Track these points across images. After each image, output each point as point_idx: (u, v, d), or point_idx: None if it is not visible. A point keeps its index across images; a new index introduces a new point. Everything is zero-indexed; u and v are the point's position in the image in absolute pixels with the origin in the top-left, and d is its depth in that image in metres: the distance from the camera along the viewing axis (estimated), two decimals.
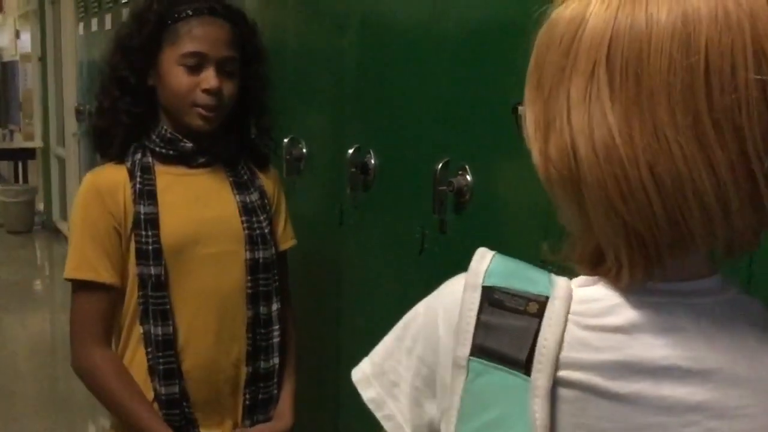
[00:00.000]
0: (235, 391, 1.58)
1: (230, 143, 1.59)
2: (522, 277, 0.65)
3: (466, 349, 0.63)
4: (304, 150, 2.09)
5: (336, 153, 1.91)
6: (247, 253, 1.55)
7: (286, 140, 2.07)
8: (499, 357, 0.62)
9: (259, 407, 1.59)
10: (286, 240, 1.69)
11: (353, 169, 1.81)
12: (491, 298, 0.64)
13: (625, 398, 0.61)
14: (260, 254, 1.56)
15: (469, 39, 1.47)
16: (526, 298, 0.63)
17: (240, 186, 1.59)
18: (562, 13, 0.63)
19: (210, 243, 1.53)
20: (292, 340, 1.70)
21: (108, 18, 4.28)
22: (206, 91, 1.48)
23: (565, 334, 0.62)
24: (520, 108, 0.69)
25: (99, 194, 1.50)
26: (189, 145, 1.53)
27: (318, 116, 2.11)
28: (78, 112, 5.15)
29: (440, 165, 1.49)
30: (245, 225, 1.56)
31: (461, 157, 1.47)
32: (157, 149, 1.53)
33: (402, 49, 1.70)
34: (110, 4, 4.22)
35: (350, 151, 1.82)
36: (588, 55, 0.60)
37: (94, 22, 4.64)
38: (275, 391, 1.61)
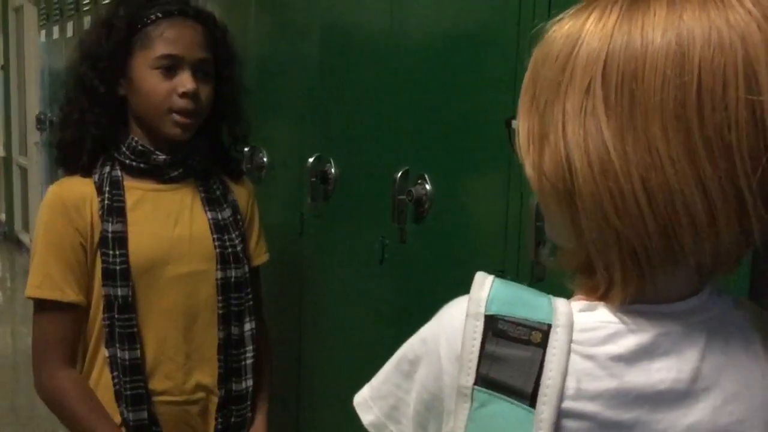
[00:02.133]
0: (205, 414, 1.53)
1: (204, 155, 1.53)
2: (523, 303, 0.65)
3: (471, 379, 0.64)
4: (265, 159, 2.08)
5: (297, 162, 1.90)
6: (219, 272, 1.50)
7: (247, 149, 2.05)
8: (505, 388, 0.63)
9: (230, 430, 1.55)
10: (259, 255, 1.64)
11: (313, 179, 1.80)
12: (495, 328, 0.64)
13: (624, 425, 0.63)
14: (232, 273, 1.51)
15: (428, 49, 1.47)
16: (530, 327, 0.63)
17: (212, 202, 1.53)
18: (558, 31, 0.65)
19: (180, 262, 1.47)
20: (267, 362, 1.64)
21: (69, 25, 4.22)
22: (183, 94, 1.42)
23: (569, 364, 0.62)
24: (513, 122, 0.70)
25: (64, 208, 1.42)
26: (162, 157, 1.47)
27: (279, 125, 2.10)
28: (39, 121, 5.06)
29: (399, 174, 1.49)
30: (217, 243, 1.50)
31: (420, 167, 1.47)
32: (127, 162, 1.46)
33: (362, 58, 1.69)
34: (71, 12, 4.17)
35: (310, 160, 1.80)
36: (584, 72, 0.62)
37: (56, 29, 4.58)
38: (248, 414, 1.56)
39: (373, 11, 1.64)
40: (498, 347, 0.63)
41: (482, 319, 0.64)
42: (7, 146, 7.05)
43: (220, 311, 1.50)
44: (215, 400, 1.52)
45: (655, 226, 0.60)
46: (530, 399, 0.62)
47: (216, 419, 1.52)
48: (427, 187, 1.45)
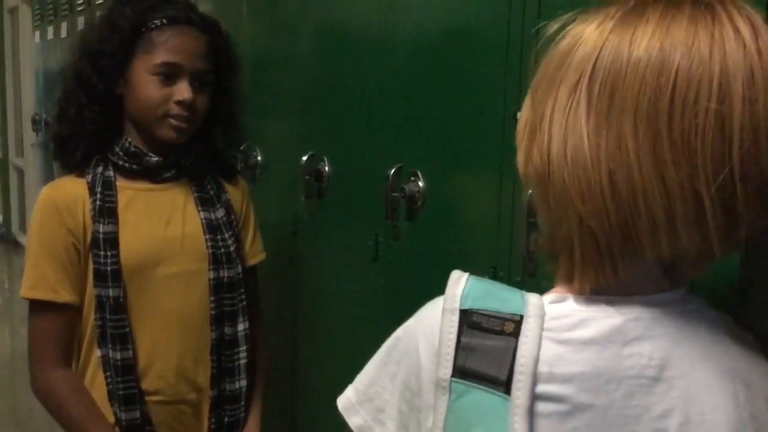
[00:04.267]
0: (199, 414, 1.53)
1: (198, 156, 1.54)
2: (496, 297, 0.69)
3: (448, 371, 0.66)
4: (259, 158, 2.08)
5: (291, 161, 1.90)
6: (211, 272, 1.50)
7: (241, 148, 2.05)
8: (480, 377, 0.65)
9: (224, 430, 1.55)
10: (255, 254, 1.64)
11: (307, 177, 1.80)
12: (469, 320, 0.67)
13: (597, 409, 0.64)
14: (225, 273, 1.51)
15: (421, 47, 1.47)
16: (503, 319, 0.66)
17: (205, 202, 1.53)
18: (570, 31, 0.69)
19: (172, 263, 1.48)
20: (262, 361, 1.64)
21: (64, 26, 4.22)
22: (179, 103, 1.43)
23: (541, 350, 0.65)
24: (518, 114, 0.74)
25: (57, 210, 1.43)
26: (154, 159, 1.47)
27: (273, 124, 2.10)
28: (34, 122, 5.06)
29: (392, 171, 1.49)
30: (209, 243, 1.50)
31: (413, 164, 1.47)
32: (120, 162, 1.47)
33: (356, 56, 1.69)
34: (66, 12, 4.16)
35: (304, 158, 1.81)
36: (576, 70, 0.66)
37: (50, 30, 4.57)
38: (242, 414, 1.56)
39: (366, 10, 1.64)
40: (473, 339, 0.66)
41: (458, 314, 0.67)
42: (3, 147, 7.04)
43: (213, 311, 1.50)
44: (208, 400, 1.52)
45: (616, 216, 0.63)
46: (505, 386, 0.64)
47: (209, 419, 1.53)
48: (420, 184, 1.45)
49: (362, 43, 1.67)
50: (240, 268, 1.54)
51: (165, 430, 1.50)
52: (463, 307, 0.67)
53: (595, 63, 0.64)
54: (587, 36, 0.66)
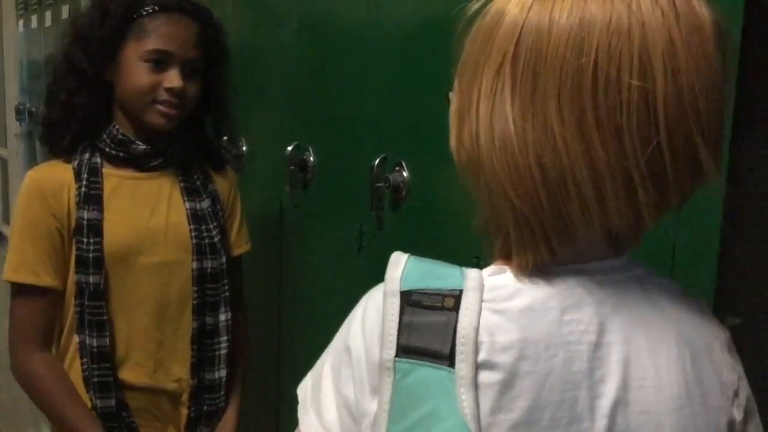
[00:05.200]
0: (177, 403, 1.53)
1: (186, 145, 1.54)
2: (436, 275, 0.68)
3: (392, 351, 0.65)
4: (244, 148, 2.08)
5: (276, 151, 1.90)
6: (195, 262, 1.50)
7: (225, 138, 2.05)
8: (424, 353, 0.64)
9: (203, 419, 1.55)
10: (240, 245, 1.64)
11: (292, 167, 1.81)
12: (410, 300, 0.66)
13: (537, 375, 0.64)
14: (209, 264, 1.51)
15: (406, 37, 1.48)
16: (442, 295, 0.66)
17: (191, 192, 1.53)
18: (489, 9, 0.67)
19: (155, 252, 1.48)
20: (242, 352, 1.64)
21: (48, 15, 4.19)
22: (169, 90, 1.42)
23: (481, 320, 0.64)
24: (450, 94, 0.73)
25: (42, 193, 1.43)
26: (141, 147, 1.47)
27: (258, 114, 2.10)
28: (18, 112, 5.02)
29: (377, 162, 1.50)
30: (194, 234, 1.50)
31: (398, 154, 1.48)
32: (107, 149, 1.47)
33: (340, 46, 1.70)
34: (50, 1, 4.13)
35: (289, 148, 1.81)
36: (498, 51, 0.64)
37: (34, 19, 4.54)
38: (222, 404, 1.56)
39: (351, 1, 1.64)
40: (414, 317, 0.65)
41: (398, 296, 0.67)
42: None
43: (195, 301, 1.50)
44: (187, 389, 1.53)
45: (547, 199, 0.63)
46: (449, 359, 0.64)
47: (188, 408, 1.53)
48: (405, 174, 1.46)
49: (347, 34, 1.67)
50: (224, 259, 1.54)
51: (142, 418, 1.50)
52: (403, 289, 0.67)
53: (516, 43, 0.63)
54: (509, 13, 0.64)
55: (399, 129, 1.50)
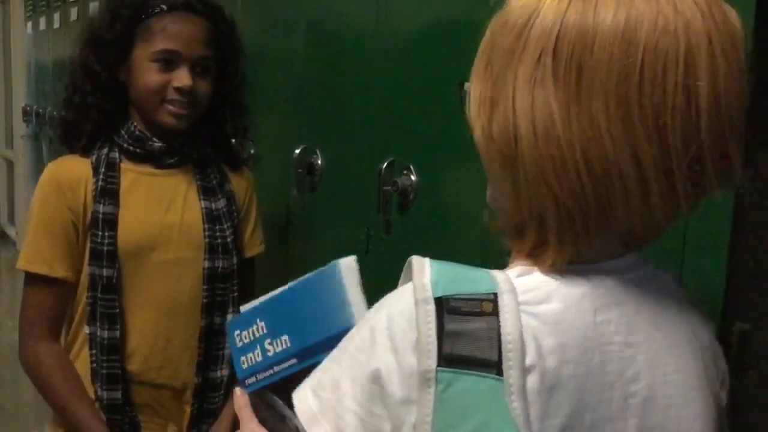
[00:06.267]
0: (180, 399, 1.54)
1: (203, 144, 1.55)
2: (466, 279, 0.66)
3: (433, 362, 0.62)
4: (252, 151, 2.08)
5: (283, 154, 1.90)
6: (206, 261, 1.50)
7: (233, 141, 2.05)
8: (469, 362, 0.62)
9: (204, 417, 1.56)
10: (253, 246, 1.64)
11: (300, 170, 1.81)
12: (448, 306, 0.64)
13: (578, 379, 0.64)
14: (220, 263, 1.52)
15: (414, 41, 1.48)
16: (479, 299, 0.64)
17: (207, 191, 1.54)
18: (517, 2, 0.67)
19: (168, 249, 1.49)
20: None
21: (56, 17, 4.20)
22: (178, 89, 1.43)
23: (522, 325, 0.63)
24: (465, 84, 0.72)
25: (59, 187, 1.45)
26: (158, 144, 1.49)
27: (266, 117, 2.10)
28: (25, 113, 5.04)
29: (385, 165, 1.50)
30: (207, 233, 1.51)
31: (406, 158, 1.48)
32: (125, 145, 1.49)
33: (348, 50, 1.70)
34: (58, 3, 4.15)
35: (297, 151, 1.81)
36: (537, 43, 0.64)
37: (42, 21, 4.56)
38: (220, 403, 1.57)
39: (359, 4, 1.65)
40: (456, 324, 0.63)
41: (432, 303, 0.64)
42: None
43: (205, 300, 1.51)
44: (192, 386, 1.53)
45: (592, 194, 0.63)
46: (496, 367, 0.62)
47: (192, 405, 1.54)
48: (413, 177, 1.46)
49: (356, 37, 1.68)
50: (235, 259, 1.55)
51: (145, 414, 1.51)
52: (437, 295, 0.64)
53: (557, 36, 0.63)
54: (545, 6, 0.64)
55: (407, 132, 1.50)
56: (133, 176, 1.49)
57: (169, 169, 1.52)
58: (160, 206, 1.50)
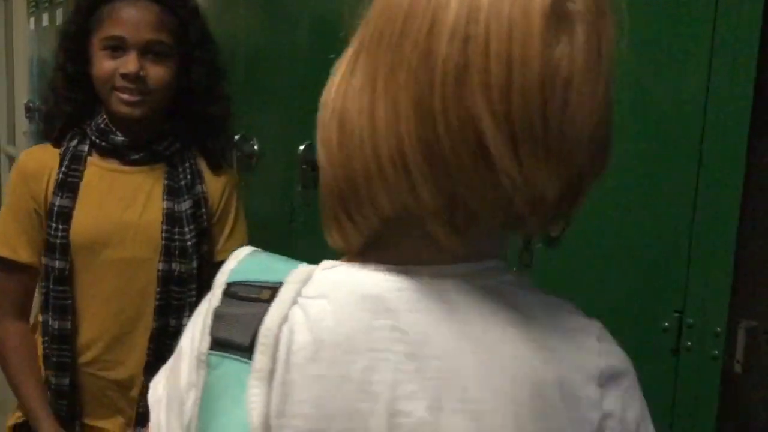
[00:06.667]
0: (126, 396, 1.53)
1: (175, 141, 1.51)
2: (268, 269, 0.64)
3: (206, 344, 0.63)
4: (256, 147, 2.08)
5: (288, 150, 1.90)
6: (161, 264, 1.47)
7: (237, 137, 2.06)
8: (230, 346, 0.61)
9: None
10: (229, 250, 1.58)
11: (304, 166, 1.81)
12: (228, 291, 0.64)
13: (330, 381, 0.59)
14: (177, 267, 1.48)
15: None
16: (261, 287, 0.63)
17: (172, 191, 1.49)
18: None
19: (122, 247, 1.47)
20: None
21: (59, 13, 4.21)
22: (125, 76, 1.41)
23: (290, 315, 0.60)
24: None
25: (25, 176, 1.48)
26: (120, 138, 1.47)
27: (269, 114, 2.10)
28: (27, 110, 5.04)
29: None
30: (164, 235, 1.47)
31: None
32: (94, 138, 1.49)
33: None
34: None
35: (301, 147, 1.81)
36: (359, 31, 0.66)
37: (45, 17, 4.56)
38: None
39: (362, 1, 1.65)
40: (227, 308, 0.62)
41: (222, 288, 0.64)
42: None
43: (158, 302, 1.48)
44: (139, 385, 1.52)
45: (343, 172, 0.63)
46: (249, 351, 0.60)
47: (138, 404, 1.53)
48: None
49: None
50: (195, 263, 1.50)
51: (92, 403, 1.52)
52: (229, 281, 0.64)
53: (372, 23, 0.64)
54: None
55: None
56: (96, 171, 1.48)
57: (138, 166, 1.50)
58: (120, 204, 1.48)
